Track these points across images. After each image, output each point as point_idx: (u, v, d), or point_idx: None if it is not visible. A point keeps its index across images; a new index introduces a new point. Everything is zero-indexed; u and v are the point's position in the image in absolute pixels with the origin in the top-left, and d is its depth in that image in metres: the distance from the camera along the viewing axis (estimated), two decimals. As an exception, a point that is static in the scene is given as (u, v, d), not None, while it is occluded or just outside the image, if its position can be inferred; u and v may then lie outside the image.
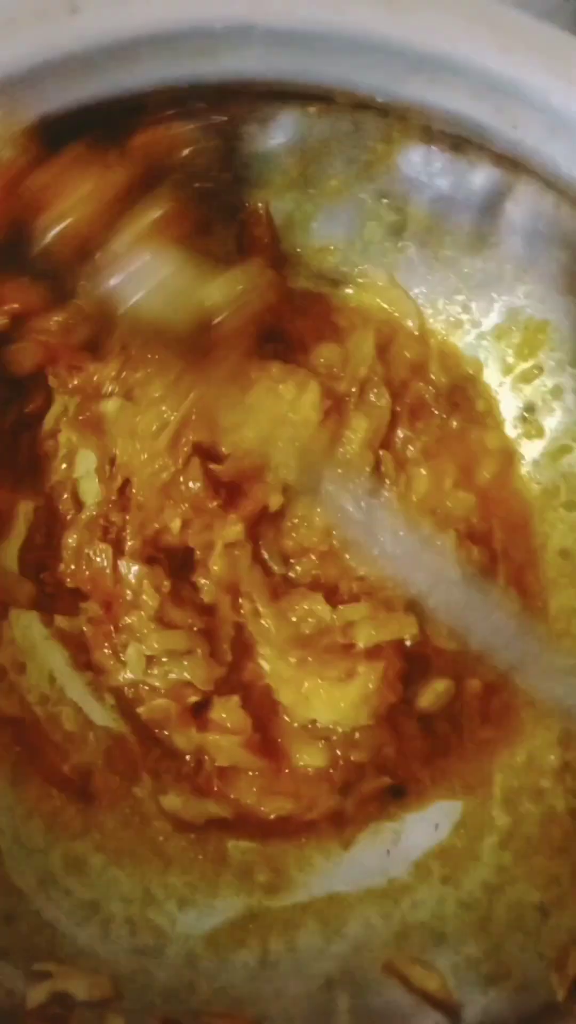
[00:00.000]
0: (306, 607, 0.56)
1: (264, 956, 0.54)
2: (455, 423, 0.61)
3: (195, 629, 0.55)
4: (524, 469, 0.63)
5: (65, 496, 0.58)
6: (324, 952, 0.55)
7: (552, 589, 0.61)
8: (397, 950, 0.54)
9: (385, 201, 0.59)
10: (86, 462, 0.58)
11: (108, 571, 0.55)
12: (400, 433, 0.60)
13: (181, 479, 0.55)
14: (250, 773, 0.55)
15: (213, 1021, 0.50)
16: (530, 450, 0.63)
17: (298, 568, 0.58)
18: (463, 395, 0.62)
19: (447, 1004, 0.50)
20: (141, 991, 0.51)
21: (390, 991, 0.52)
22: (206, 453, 0.55)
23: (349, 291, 0.62)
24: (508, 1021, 0.48)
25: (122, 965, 0.52)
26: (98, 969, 0.51)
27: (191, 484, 0.55)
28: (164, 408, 0.55)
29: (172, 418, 0.55)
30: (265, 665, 0.56)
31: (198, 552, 0.56)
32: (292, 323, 0.62)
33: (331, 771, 0.55)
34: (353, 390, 0.59)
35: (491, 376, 0.64)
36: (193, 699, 0.55)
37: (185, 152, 0.55)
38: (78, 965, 0.50)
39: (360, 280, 0.62)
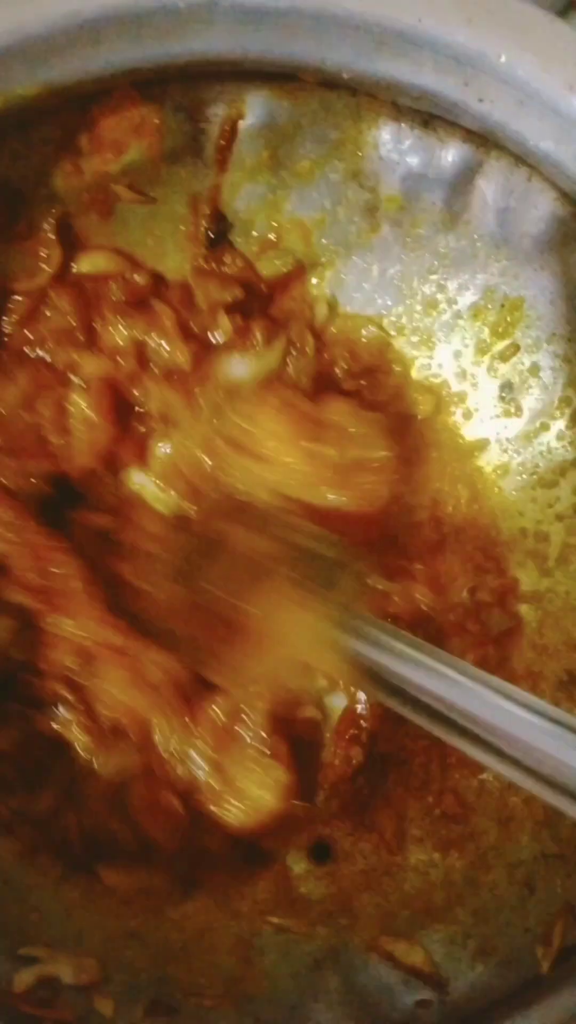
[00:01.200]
0: None
1: (251, 938, 0.54)
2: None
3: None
4: (501, 448, 0.63)
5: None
6: (311, 933, 0.55)
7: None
8: (382, 929, 0.54)
9: (357, 181, 0.58)
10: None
11: None
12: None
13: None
14: None
15: (201, 1002, 0.50)
16: (509, 429, 0.64)
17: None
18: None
19: (433, 978, 0.50)
20: (129, 974, 0.51)
21: (376, 969, 0.52)
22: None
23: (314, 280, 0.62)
24: (495, 994, 0.49)
25: (109, 949, 0.52)
26: (85, 953, 0.51)
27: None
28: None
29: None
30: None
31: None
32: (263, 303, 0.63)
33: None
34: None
35: (467, 356, 0.64)
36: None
37: (153, 134, 0.55)
38: (65, 949, 0.50)
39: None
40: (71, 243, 0.59)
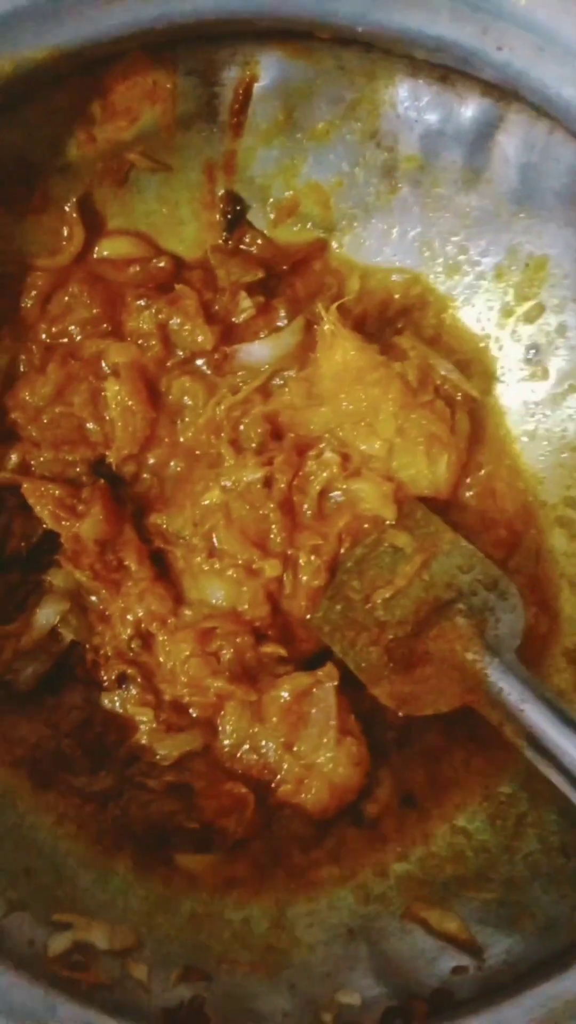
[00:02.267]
0: None
1: (284, 910, 0.54)
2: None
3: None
4: (529, 411, 0.62)
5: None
6: (344, 903, 0.54)
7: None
8: (416, 898, 0.54)
9: (374, 141, 0.57)
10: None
11: None
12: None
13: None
14: None
15: (234, 968, 0.50)
16: (536, 393, 0.62)
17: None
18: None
19: (469, 945, 0.50)
20: (162, 941, 0.51)
21: (412, 936, 0.52)
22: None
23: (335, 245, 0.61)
24: (532, 960, 0.48)
25: (141, 918, 0.52)
26: (119, 921, 0.51)
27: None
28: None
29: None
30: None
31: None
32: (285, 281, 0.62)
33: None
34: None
35: (492, 319, 0.62)
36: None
37: (167, 99, 0.54)
38: (98, 917, 0.50)
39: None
40: (93, 222, 0.59)
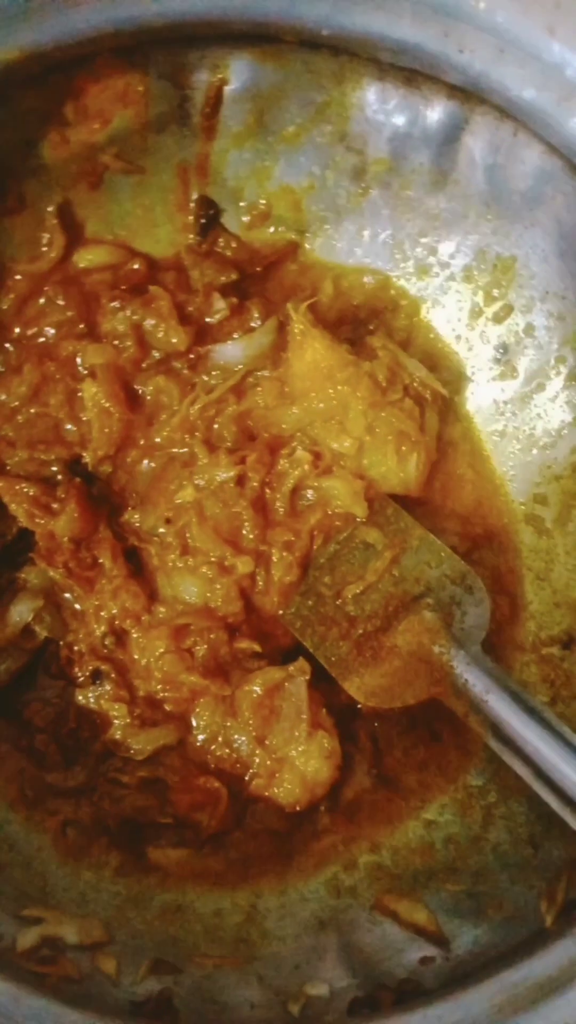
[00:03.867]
0: None
1: (255, 903, 0.54)
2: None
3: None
4: (499, 410, 0.63)
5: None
6: (315, 895, 0.55)
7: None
8: (386, 890, 0.54)
9: (344, 144, 0.58)
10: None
11: None
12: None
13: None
14: None
15: (203, 961, 0.50)
16: (505, 392, 0.63)
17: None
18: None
19: (437, 936, 0.50)
20: (133, 935, 0.51)
21: (381, 928, 0.52)
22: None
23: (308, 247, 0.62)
24: (498, 949, 0.48)
25: (112, 912, 0.52)
26: (89, 916, 0.51)
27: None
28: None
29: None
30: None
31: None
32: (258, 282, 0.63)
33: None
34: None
35: (462, 320, 0.63)
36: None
37: (139, 102, 0.55)
38: (68, 912, 0.50)
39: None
40: (71, 228, 0.60)
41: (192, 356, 0.61)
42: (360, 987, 0.48)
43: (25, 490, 0.57)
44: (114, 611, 0.57)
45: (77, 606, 0.58)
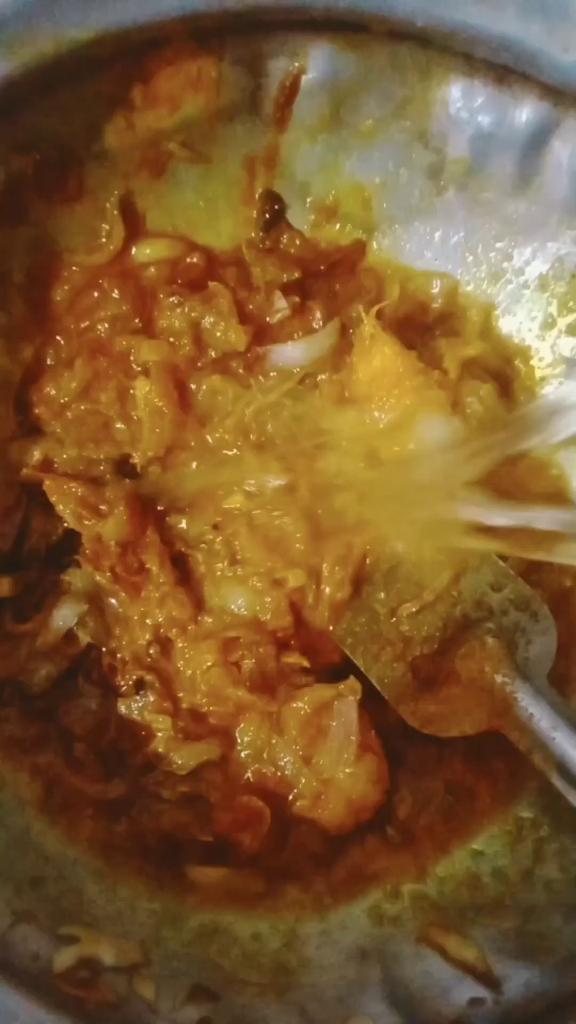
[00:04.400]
0: None
1: (295, 928, 0.53)
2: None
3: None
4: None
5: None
6: (357, 923, 0.53)
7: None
8: (431, 922, 0.52)
9: (422, 142, 0.55)
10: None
11: None
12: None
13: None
14: None
15: (244, 988, 0.48)
16: (574, 407, 0.60)
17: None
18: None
19: (487, 976, 0.48)
20: (169, 957, 0.49)
21: (426, 963, 0.50)
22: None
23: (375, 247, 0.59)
24: (551, 995, 0.47)
25: (149, 932, 0.50)
26: (126, 935, 0.49)
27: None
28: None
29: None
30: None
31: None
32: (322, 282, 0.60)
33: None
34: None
35: (533, 330, 0.61)
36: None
37: (210, 89, 0.52)
38: (104, 930, 0.49)
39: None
40: (132, 220, 0.57)
41: (250, 356, 0.58)
42: (406, 1026, 0.46)
43: (73, 490, 0.55)
44: (160, 619, 0.56)
45: (121, 611, 0.56)
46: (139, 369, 0.57)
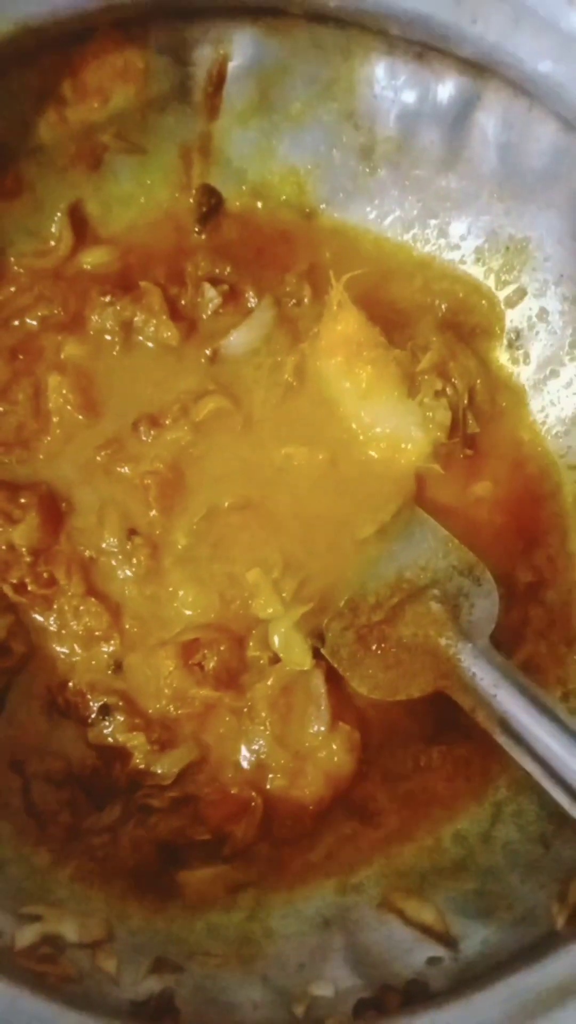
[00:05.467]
0: None
1: (259, 899, 0.53)
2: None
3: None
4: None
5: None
6: (320, 893, 0.54)
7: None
8: (393, 888, 0.53)
9: (351, 122, 0.57)
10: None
11: None
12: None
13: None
14: None
15: (207, 960, 0.49)
16: (517, 379, 0.61)
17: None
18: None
19: (444, 936, 0.49)
20: (134, 933, 0.50)
21: (388, 927, 0.51)
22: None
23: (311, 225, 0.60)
24: (508, 951, 0.47)
25: (114, 909, 0.51)
26: (90, 913, 0.50)
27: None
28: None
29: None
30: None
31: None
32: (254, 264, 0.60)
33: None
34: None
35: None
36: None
37: (139, 79, 0.53)
38: (68, 908, 0.49)
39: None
40: (81, 228, 0.58)
41: (205, 358, 0.59)
42: (366, 988, 0.47)
43: None
44: (79, 630, 0.55)
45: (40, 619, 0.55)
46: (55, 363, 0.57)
